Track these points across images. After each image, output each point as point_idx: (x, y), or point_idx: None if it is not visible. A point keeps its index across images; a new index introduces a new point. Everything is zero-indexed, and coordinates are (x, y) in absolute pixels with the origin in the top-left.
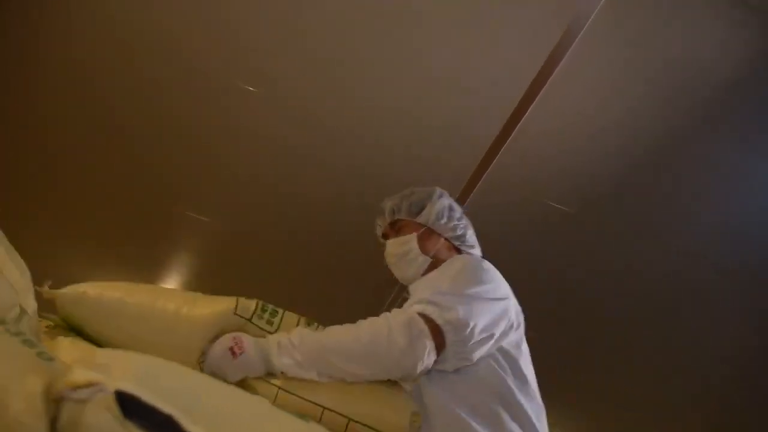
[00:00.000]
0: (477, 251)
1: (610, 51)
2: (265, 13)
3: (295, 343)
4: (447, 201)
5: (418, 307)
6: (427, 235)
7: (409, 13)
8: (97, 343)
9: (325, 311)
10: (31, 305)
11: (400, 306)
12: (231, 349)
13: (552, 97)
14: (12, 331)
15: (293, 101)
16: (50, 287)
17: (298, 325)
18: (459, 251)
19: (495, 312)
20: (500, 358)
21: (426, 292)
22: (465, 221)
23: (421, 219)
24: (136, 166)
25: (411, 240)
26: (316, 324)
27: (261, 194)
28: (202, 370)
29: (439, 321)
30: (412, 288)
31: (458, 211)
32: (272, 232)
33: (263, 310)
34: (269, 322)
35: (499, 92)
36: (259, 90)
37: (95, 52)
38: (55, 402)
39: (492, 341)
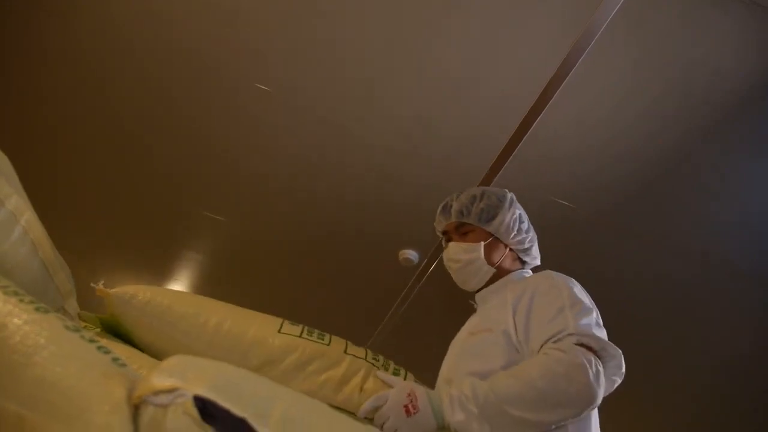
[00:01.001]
0: (538, 262)
1: (627, 52)
2: (281, 13)
3: (468, 395)
4: (518, 211)
5: (573, 339)
6: (494, 245)
7: (428, 15)
8: (135, 346)
9: (340, 314)
10: (74, 307)
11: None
12: (406, 407)
13: (567, 99)
14: (86, 338)
15: (310, 102)
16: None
17: (346, 348)
18: (522, 262)
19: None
20: None
21: (557, 322)
22: (532, 234)
23: (490, 228)
24: (151, 167)
25: (477, 249)
26: (381, 357)
27: (276, 195)
28: (371, 421)
29: (596, 348)
30: (481, 298)
31: (526, 221)
32: (288, 233)
33: (310, 333)
34: (321, 336)
35: (514, 93)
36: (274, 90)
37: (106, 53)
38: (136, 407)
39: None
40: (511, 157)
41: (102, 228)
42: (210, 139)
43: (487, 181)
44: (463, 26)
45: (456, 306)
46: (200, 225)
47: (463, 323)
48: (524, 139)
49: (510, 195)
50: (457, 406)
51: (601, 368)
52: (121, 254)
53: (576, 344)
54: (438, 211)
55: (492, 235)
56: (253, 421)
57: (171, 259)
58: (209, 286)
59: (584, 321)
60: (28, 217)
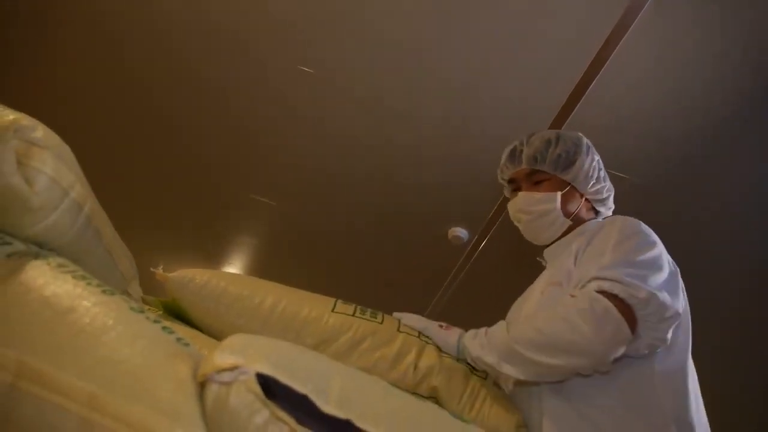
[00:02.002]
0: (611, 213)
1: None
2: None
3: (488, 332)
4: (596, 156)
5: (594, 285)
6: (570, 194)
7: None
8: (198, 328)
9: (391, 294)
10: (137, 291)
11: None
12: (440, 325)
13: (619, 66)
14: (151, 318)
15: (353, 81)
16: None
17: (399, 326)
18: (597, 213)
19: (675, 283)
20: (675, 350)
21: (593, 264)
22: (609, 182)
23: (567, 176)
24: (198, 153)
25: (554, 199)
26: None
27: (323, 177)
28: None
29: (623, 295)
30: (551, 253)
31: (603, 169)
32: (336, 215)
33: (362, 312)
34: (373, 316)
35: (563, 64)
36: (318, 71)
37: (153, 46)
38: (201, 385)
39: (679, 320)
40: (562, 128)
41: (157, 214)
42: (257, 123)
43: None
44: None
45: (508, 282)
46: (250, 209)
47: (515, 299)
48: (574, 111)
49: (585, 140)
50: (477, 338)
51: (614, 319)
52: (178, 240)
53: (597, 290)
54: (504, 156)
55: (569, 183)
56: (314, 397)
57: (225, 244)
58: (263, 268)
59: (618, 262)
60: (91, 204)
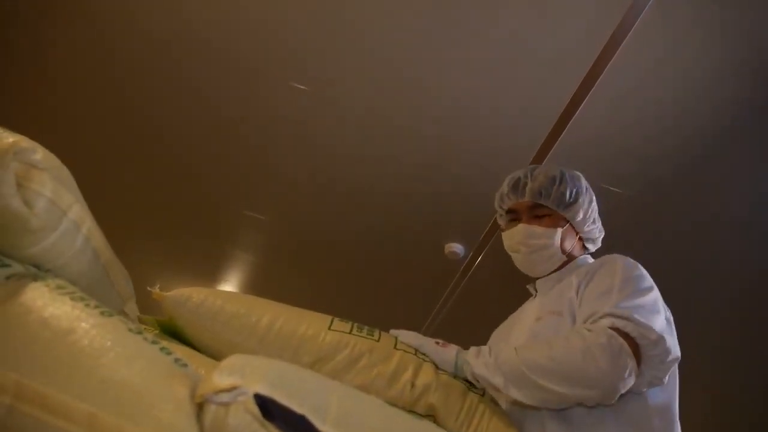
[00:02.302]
0: (595, 248)
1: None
2: (314, 11)
3: (493, 352)
4: (593, 198)
5: (607, 321)
6: (568, 231)
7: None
8: (194, 347)
9: (387, 310)
10: (134, 311)
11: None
12: (437, 342)
13: (614, 79)
14: (149, 339)
15: (347, 97)
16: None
17: (396, 344)
18: (585, 249)
19: (673, 328)
20: (667, 388)
21: (602, 300)
22: (600, 222)
23: (567, 214)
24: (192, 170)
25: (554, 235)
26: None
27: (318, 192)
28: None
29: (634, 334)
30: (544, 285)
31: (596, 208)
32: (332, 230)
33: (359, 329)
34: (370, 333)
35: (557, 77)
36: (311, 89)
37: (144, 58)
38: (199, 406)
39: (677, 363)
40: (557, 143)
41: (153, 233)
42: (248, 139)
43: (537, 160)
44: (509, 4)
45: (504, 298)
46: (244, 225)
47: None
48: (570, 123)
49: (584, 179)
50: (482, 356)
51: (628, 357)
52: (174, 259)
53: (610, 327)
54: (507, 186)
55: (567, 221)
56: (311, 417)
57: (221, 262)
58: (259, 285)
59: (628, 303)
60: (89, 225)
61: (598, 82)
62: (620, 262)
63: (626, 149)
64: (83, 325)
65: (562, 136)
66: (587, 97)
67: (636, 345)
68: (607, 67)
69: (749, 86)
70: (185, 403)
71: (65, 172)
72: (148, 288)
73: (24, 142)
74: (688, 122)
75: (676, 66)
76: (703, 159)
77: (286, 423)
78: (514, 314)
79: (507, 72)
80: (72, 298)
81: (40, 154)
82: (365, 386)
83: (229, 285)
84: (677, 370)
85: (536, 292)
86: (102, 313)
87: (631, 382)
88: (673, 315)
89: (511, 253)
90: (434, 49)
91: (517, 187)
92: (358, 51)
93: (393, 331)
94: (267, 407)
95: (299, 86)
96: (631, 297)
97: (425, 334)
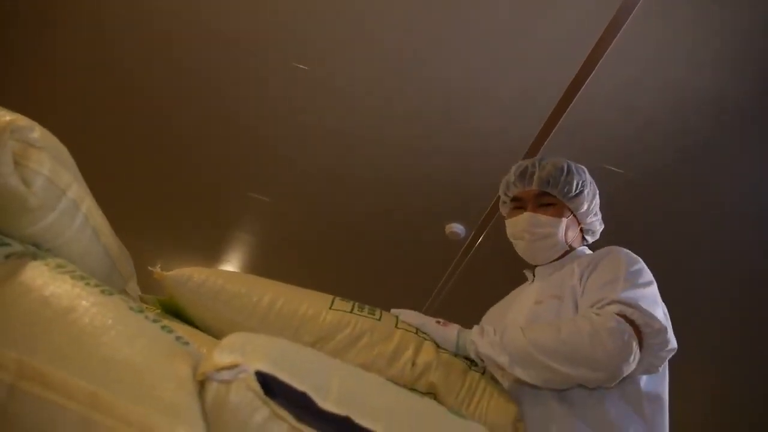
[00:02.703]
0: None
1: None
2: None
3: (498, 331)
4: (597, 191)
5: (614, 308)
6: (572, 221)
7: None
8: (196, 326)
9: (388, 290)
10: (135, 290)
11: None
12: (438, 321)
13: (615, 61)
14: (150, 318)
15: (347, 77)
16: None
17: (397, 323)
18: (585, 241)
19: (669, 321)
20: (657, 376)
21: (608, 288)
22: (600, 214)
23: (572, 204)
24: (194, 151)
25: (558, 225)
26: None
27: (320, 174)
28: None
29: (640, 322)
30: (543, 272)
31: (599, 201)
32: (333, 212)
33: (360, 309)
34: (371, 312)
35: (559, 58)
36: (312, 69)
37: (143, 44)
38: (201, 384)
39: (673, 352)
40: (558, 124)
41: (154, 213)
42: (251, 120)
43: (533, 150)
44: None
45: (504, 278)
46: (247, 207)
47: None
48: (570, 105)
49: (589, 175)
50: (486, 335)
51: (634, 342)
52: (176, 239)
53: (617, 313)
54: (512, 175)
55: (571, 211)
56: (312, 394)
57: (223, 243)
58: (260, 266)
59: (633, 293)
60: (88, 204)
61: (599, 64)
62: (624, 254)
63: (627, 132)
64: (84, 303)
65: (563, 117)
66: (588, 80)
67: (640, 332)
68: (608, 50)
69: (750, 70)
70: (187, 382)
71: (63, 151)
72: (150, 268)
73: (21, 120)
74: (690, 105)
75: (677, 50)
76: (704, 143)
77: (287, 400)
78: (509, 296)
79: (508, 53)
80: (72, 277)
81: (37, 132)
82: (366, 365)
83: (231, 266)
84: (668, 364)
85: (534, 277)
86: (102, 292)
87: (633, 366)
88: (671, 298)
89: (513, 241)
90: (435, 31)
91: (524, 175)
92: (358, 32)
93: (394, 311)
94: (268, 385)
95: (301, 66)
96: (635, 287)
97: (426, 313)
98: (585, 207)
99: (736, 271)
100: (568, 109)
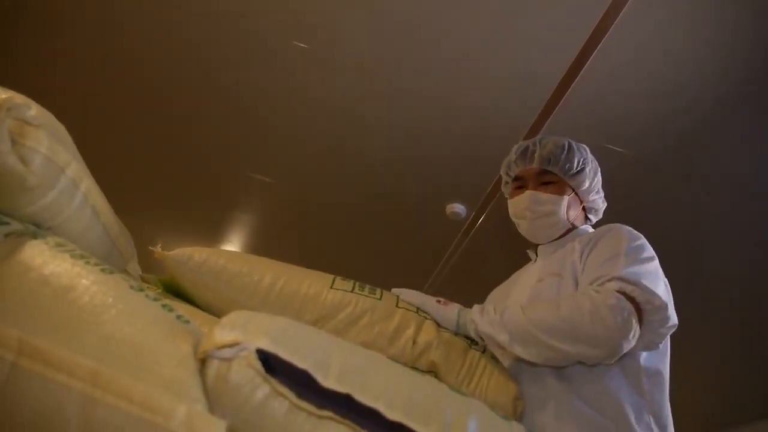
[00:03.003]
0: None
1: None
2: None
3: (498, 310)
4: (599, 169)
5: (615, 285)
6: (573, 200)
7: None
8: (197, 306)
9: (389, 270)
10: (136, 270)
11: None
12: (438, 300)
13: (617, 41)
14: (151, 296)
15: (347, 56)
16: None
17: (398, 302)
18: (587, 220)
19: (671, 295)
20: (658, 352)
21: (609, 265)
22: (602, 194)
23: (573, 182)
24: (194, 131)
25: (560, 202)
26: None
27: (321, 154)
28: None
29: (640, 299)
30: (545, 250)
31: (601, 180)
32: (334, 192)
33: (361, 288)
34: (372, 292)
35: (561, 36)
36: (312, 48)
37: (144, 18)
38: (202, 362)
39: (674, 329)
40: (559, 104)
41: (155, 193)
42: (252, 100)
43: (534, 130)
44: None
45: (505, 257)
46: (248, 187)
47: (511, 274)
48: (573, 84)
49: (591, 153)
50: (486, 314)
51: (633, 319)
52: (176, 219)
53: (617, 290)
54: (513, 155)
55: (573, 190)
56: (313, 372)
57: (223, 223)
58: (261, 246)
59: (635, 269)
60: (87, 183)
61: (601, 44)
62: (625, 231)
63: (628, 110)
64: (84, 282)
65: (564, 97)
66: (590, 59)
67: (640, 309)
68: (609, 30)
69: (750, 49)
70: (188, 359)
71: (61, 129)
72: (150, 248)
73: (17, 98)
74: (691, 86)
75: (677, 30)
76: (704, 123)
77: (288, 378)
78: (513, 276)
79: (509, 33)
80: (72, 256)
81: (34, 110)
82: (367, 344)
83: (232, 246)
84: (669, 339)
85: (536, 256)
86: (102, 270)
87: (633, 343)
88: (670, 277)
89: (516, 220)
90: (436, 10)
91: (525, 154)
92: (359, 11)
93: (395, 290)
94: (269, 363)
95: (301, 45)
96: (636, 263)
97: (427, 293)
98: (586, 185)
99: (736, 250)
100: (570, 89)
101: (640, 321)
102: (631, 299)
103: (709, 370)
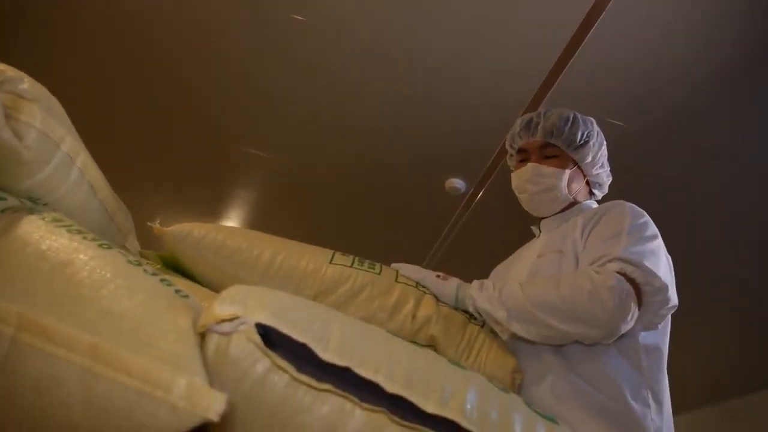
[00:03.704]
0: (602, 194)
1: None
2: None
3: (497, 287)
4: (604, 142)
5: (615, 265)
6: (576, 173)
7: None
8: (196, 281)
9: (388, 245)
10: (134, 245)
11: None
12: (438, 275)
13: (617, 15)
14: (149, 271)
15: (346, 29)
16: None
17: (397, 277)
18: (591, 195)
19: (673, 277)
20: (657, 331)
21: (610, 244)
22: (608, 167)
23: (577, 155)
24: (192, 105)
25: (561, 175)
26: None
27: (319, 128)
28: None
29: (640, 280)
30: (548, 225)
31: (606, 153)
32: (333, 167)
33: (360, 263)
34: (371, 266)
35: (562, 8)
36: (310, 20)
37: None
38: (201, 336)
39: (674, 310)
40: (559, 77)
41: (153, 168)
42: (249, 74)
43: (534, 103)
44: None
45: (505, 232)
46: (247, 162)
47: (512, 251)
48: (574, 56)
49: (597, 126)
50: (485, 290)
51: (632, 302)
52: (175, 195)
53: (618, 271)
54: (517, 126)
55: (576, 163)
56: (313, 345)
57: (222, 198)
58: (260, 221)
59: (637, 249)
60: (83, 158)
61: (600, 18)
62: (628, 208)
63: (628, 84)
64: (81, 257)
65: (564, 70)
66: (590, 32)
67: (640, 291)
68: (609, 3)
69: (750, 21)
70: (187, 333)
71: (55, 104)
72: (149, 223)
73: (10, 71)
74: (690, 59)
75: (677, 3)
76: (704, 96)
77: (288, 352)
78: (516, 252)
79: (509, 5)
80: (69, 231)
81: (27, 83)
82: (366, 319)
83: (231, 221)
84: (668, 323)
85: (540, 232)
86: (100, 246)
87: (631, 324)
88: (671, 253)
89: (518, 194)
90: None
91: (529, 126)
92: None
93: (394, 265)
94: (269, 336)
95: (299, 18)
96: (638, 243)
97: (427, 268)
98: (590, 158)
99: (737, 223)
100: (570, 62)
101: (640, 302)
102: (631, 280)
103: (718, 339)
